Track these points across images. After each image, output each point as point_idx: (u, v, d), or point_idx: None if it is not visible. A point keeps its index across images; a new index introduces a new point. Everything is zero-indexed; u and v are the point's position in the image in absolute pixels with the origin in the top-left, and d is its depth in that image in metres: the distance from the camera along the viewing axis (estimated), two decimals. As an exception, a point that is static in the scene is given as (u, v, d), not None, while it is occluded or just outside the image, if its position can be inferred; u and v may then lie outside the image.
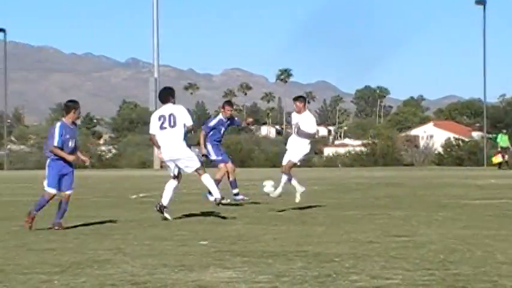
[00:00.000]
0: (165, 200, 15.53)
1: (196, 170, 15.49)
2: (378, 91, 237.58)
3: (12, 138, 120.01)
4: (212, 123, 20.69)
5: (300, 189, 17.87)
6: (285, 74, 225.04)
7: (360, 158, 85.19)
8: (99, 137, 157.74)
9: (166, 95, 15.93)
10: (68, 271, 8.50)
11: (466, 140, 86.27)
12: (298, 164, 17.98)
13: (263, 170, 59.62)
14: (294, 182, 17.79)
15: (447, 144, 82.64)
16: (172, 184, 15.68)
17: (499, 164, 55.40)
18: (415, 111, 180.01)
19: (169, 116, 15.43)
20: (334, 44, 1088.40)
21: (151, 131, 15.68)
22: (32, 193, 26.67)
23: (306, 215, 16.31)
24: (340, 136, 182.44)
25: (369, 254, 9.63)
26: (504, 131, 59.25)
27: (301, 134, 17.79)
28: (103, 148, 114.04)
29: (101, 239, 11.88)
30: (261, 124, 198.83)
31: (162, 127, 15.39)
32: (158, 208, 15.41)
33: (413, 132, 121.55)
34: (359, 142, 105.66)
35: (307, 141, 17.84)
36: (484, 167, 67.58)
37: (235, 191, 20.30)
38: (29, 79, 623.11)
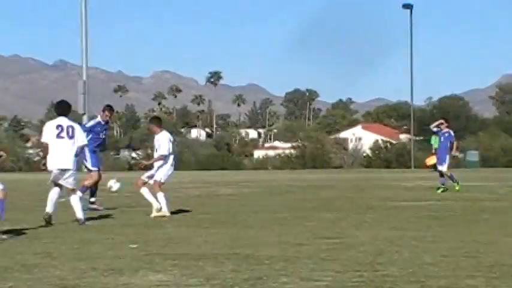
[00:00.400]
0: (50, 208, 15.25)
1: (72, 189, 15.35)
2: (307, 94, 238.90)
3: None
4: (89, 124, 20.37)
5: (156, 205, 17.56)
6: (215, 77, 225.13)
7: (290, 160, 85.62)
8: (27, 140, 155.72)
9: (66, 108, 15.75)
10: (-5, 276, 8.38)
11: (394, 142, 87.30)
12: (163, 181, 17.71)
13: (193, 173, 59.52)
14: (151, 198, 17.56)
15: (375, 147, 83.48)
16: (56, 192, 15.39)
17: (434, 166, 55.76)
18: (343, 113, 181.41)
19: (68, 127, 15.27)
20: (263, 46, 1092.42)
21: (45, 139, 15.39)
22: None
23: (236, 217, 16.32)
24: (270, 139, 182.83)
25: (299, 256, 9.68)
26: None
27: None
28: (31, 151, 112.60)
29: (29, 242, 11.73)
30: (191, 127, 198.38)
31: (59, 136, 15.18)
32: (47, 218, 15.00)
33: (342, 134, 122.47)
34: (289, 145, 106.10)
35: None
36: (411, 169, 68.39)
37: (92, 199, 19.91)
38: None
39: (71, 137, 15.22)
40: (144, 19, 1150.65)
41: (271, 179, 42.23)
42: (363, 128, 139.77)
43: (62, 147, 15.15)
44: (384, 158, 79.50)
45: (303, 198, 23.63)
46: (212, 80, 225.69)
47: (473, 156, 59.06)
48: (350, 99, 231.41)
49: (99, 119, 20.39)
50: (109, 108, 20.80)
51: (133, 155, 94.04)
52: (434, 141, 56.54)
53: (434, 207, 18.51)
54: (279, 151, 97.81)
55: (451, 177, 26.54)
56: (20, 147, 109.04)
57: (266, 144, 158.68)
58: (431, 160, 56.82)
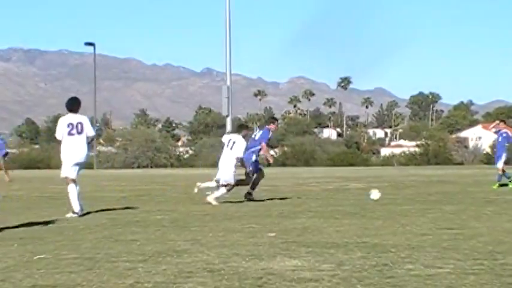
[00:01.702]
0: (76, 207, 15.35)
1: (73, 180, 15.44)
2: (430, 97, 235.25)
3: (101, 141, 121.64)
4: (269, 135, 20.31)
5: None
6: (345, 82, 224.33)
7: (414, 157, 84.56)
8: (178, 139, 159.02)
9: (76, 105, 15.71)
10: (150, 260, 8.57)
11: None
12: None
13: (325, 169, 59.42)
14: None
15: (495, 145, 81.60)
16: (74, 189, 15.44)
17: None
18: (464, 114, 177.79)
19: (77, 123, 15.40)
20: (390, 53, 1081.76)
21: (58, 136, 15.54)
22: (118, 189, 27.02)
23: (365, 209, 16.22)
24: (396, 138, 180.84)
25: (423, 245, 9.54)
26: None
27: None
28: (181, 149, 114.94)
29: (179, 230, 11.95)
30: (323, 127, 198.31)
31: (70, 133, 15.33)
32: (80, 215, 15.15)
33: (463, 134, 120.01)
34: (413, 143, 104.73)
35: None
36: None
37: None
38: (115, 88, 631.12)
39: (80, 132, 15.37)
40: (278, 30, 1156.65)
41: (397, 175, 41.76)
42: (483, 127, 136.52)
43: (74, 143, 15.34)
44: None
45: (426, 192, 23.29)
46: (342, 84, 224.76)
47: None
48: (471, 101, 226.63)
49: (272, 129, 20.36)
50: (276, 120, 21.17)
51: (272, 152, 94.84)
52: None
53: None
54: (404, 149, 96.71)
55: (504, 175, 25.78)
56: (171, 145, 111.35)
57: (392, 143, 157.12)
58: None
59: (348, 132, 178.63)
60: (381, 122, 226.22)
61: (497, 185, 25.30)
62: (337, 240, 10.22)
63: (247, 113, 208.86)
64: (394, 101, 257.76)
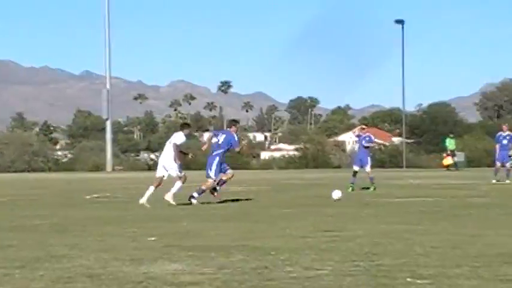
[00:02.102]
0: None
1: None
2: (309, 101, 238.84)
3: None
4: (236, 138, 20.54)
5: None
6: (225, 86, 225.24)
7: (293, 161, 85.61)
8: (56, 143, 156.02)
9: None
10: (27, 266, 8.39)
11: (388, 144, 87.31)
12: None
13: (203, 173, 59.55)
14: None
15: (370, 149, 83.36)
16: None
17: (448, 166, 55.63)
18: (342, 119, 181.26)
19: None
20: (269, 57, 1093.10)
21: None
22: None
23: (245, 213, 16.32)
24: (276, 141, 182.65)
25: (302, 248, 9.68)
26: (451, 135, 59.24)
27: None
28: (59, 153, 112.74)
29: (58, 235, 11.75)
30: (204, 131, 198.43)
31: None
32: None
33: (341, 137, 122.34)
34: (292, 147, 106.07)
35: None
36: (403, 168, 68.35)
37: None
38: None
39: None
40: (160, 31, 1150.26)
41: (277, 178, 42.22)
42: (359, 131, 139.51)
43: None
44: (378, 159, 79.25)
45: (305, 195, 23.63)
46: (223, 88, 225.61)
47: (460, 157, 59.03)
48: (348, 105, 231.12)
49: (233, 132, 20.58)
50: (237, 122, 21.87)
51: (152, 156, 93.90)
52: (450, 143, 56.55)
53: (424, 203, 18.48)
54: (284, 152, 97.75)
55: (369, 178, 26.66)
56: (49, 149, 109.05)
57: (272, 147, 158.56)
58: (447, 161, 56.67)
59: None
60: (260, 125, 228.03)
61: (373, 187, 25.88)
62: (218, 244, 10.26)
63: (128, 117, 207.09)
64: (273, 105, 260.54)
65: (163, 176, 19.34)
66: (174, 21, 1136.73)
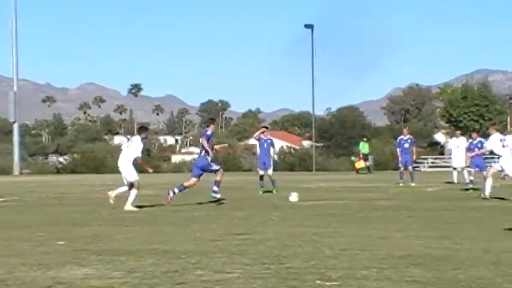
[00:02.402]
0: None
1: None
2: (220, 104, 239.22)
3: None
4: (208, 132, 20.63)
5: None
6: (135, 88, 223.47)
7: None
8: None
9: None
10: None
11: (298, 148, 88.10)
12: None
13: (116, 176, 59.05)
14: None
15: (281, 152, 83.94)
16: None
17: (359, 169, 56.42)
18: (252, 122, 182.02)
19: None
20: (180, 59, 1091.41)
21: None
22: None
23: (156, 216, 16.24)
24: (187, 145, 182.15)
25: (212, 251, 9.68)
26: (365, 139, 59.99)
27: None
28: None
29: (-37, 241, 11.46)
30: (114, 134, 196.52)
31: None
32: None
33: (251, 141, 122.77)
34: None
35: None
36: (313, 172, 69.01)
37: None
38: None
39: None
40: (68, 33, 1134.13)
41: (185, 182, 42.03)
42: (271, 135, 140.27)
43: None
44: (289, 162, 79.98)
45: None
46: (133, 91, 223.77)
47: (368, 160, 59.85)
48: (258, 109, 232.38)
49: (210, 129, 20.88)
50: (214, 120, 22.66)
51: (61, 159, 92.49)
52: (363, 146, 57.26)
53: (333, 206, 18.70)
54: (195, 156, 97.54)
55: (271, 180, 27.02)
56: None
57: (183, 150, 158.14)
58: (360, 164, 57.35)
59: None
60: (171, 129, 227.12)
61: (275, 190, 25.96)
62: (128, 248, 10.17)
63: (36, 119, 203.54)
64: (184, 108, 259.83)
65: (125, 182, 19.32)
66: (84, 22, 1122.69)
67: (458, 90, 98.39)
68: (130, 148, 19.37)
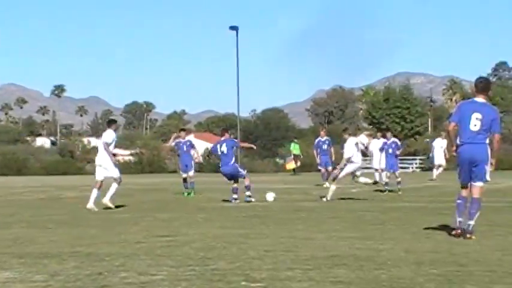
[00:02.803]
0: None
1: None
2: (144, 106, 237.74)
3: None
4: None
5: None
6: (59, 90, 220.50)
7: (129, 166, 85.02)
8: None
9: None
10: None
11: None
12: None
13: (39, 178, 58.17)
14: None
15: (206, 154, 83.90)
16: None
17: (292, 170, 56.91)
18: (177, 124, 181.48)
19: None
20: (105, 60, 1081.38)
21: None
22: None
23: (79, 218, 16.04)
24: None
25: (137, 253, 9.62)
26: (296, 140, 60.29)
27: None
28: None
29: None
30: (37, 135, 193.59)
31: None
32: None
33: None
34: (128, 152, 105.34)
35: None
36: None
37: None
38: None
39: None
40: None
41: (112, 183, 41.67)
42: (196, 136, 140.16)
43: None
44: (214, 164, 79.98)
45: (140, 200, 23.47)
46: (56, 92, 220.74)
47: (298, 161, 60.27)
48: (183, 110, 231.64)
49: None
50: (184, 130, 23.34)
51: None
52: (294, 147, 57.47)
53: (257, 208, 18.75)
54: (119, 158, 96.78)
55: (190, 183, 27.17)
56: None
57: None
58: (291, 165, 57.58)
59: (62, 141, 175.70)
60: (95, 130, 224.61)
61: (191, 192, 25.81)
62: (51, 250, 10.03)
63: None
64: (108, 109, 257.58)
65: (103, 178, 19.55)
66: (4, 20, 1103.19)
67: (381, 92, 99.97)
68: (105, 140, 19.80)
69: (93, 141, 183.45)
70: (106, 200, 19.04)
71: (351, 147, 21.68)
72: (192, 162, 26.88)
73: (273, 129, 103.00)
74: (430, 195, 23.73)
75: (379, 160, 31.07)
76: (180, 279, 7.61)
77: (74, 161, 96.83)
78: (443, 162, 37.72)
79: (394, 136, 29.47)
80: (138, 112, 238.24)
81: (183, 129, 29.20)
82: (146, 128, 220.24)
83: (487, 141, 11.23)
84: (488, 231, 11.55)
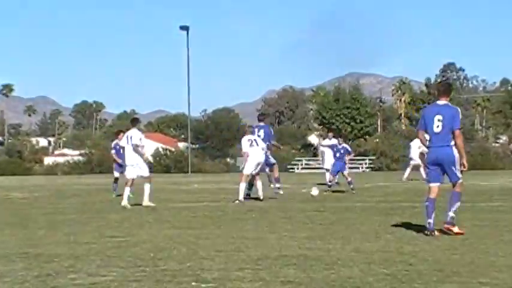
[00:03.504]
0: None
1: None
2: (94, 105, 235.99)
3: None
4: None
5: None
6: (7, 89, 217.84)
7: (78, 166, 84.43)
8: None
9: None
10: None
11: (173, 150, 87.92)
12: None
13: (-14, 178, 57.41)
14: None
15: (156, 154, 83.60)
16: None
17: None
18: (128, 124, 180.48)
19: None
20: (54, 59, 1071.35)
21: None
22: None
23: (27, 219, 15.87)
24: (60, 146, 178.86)
25: (87, 254, 9.55)
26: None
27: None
28: None
29: None
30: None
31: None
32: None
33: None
34: (77, 152, 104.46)
35: None
36: (188, 173, 68.99)
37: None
38: None
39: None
40: None
41: (61, 183, 41.37)
42: (146, 137, 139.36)
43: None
44: (164, 164, 79.79)
45: (90, 200, 23.31)
46: (4, 91, 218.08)
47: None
48: (134, 110, 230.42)
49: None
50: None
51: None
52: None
53: (208, 208, 18.74)
54: (68, 158, 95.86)
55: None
56: None
57: (56, 152, 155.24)
58: None
59: (10, 141, 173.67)
60: (44, 130, 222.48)
61: (114, 195, 25.55)
62: (-2, 252, 9.91)
63: None
64: (57, 109, 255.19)
65: (136, 177, 19.76)
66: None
67: (331, 93, 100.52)
68: (134, 142, 19.65)
69: (42, 141, 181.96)
70: (146, 202, 19.49)
71: (245, 143, 21.35)
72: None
73: (224, 130, 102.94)
74: (379, 195, 23.95)
75: (331, 160, 31.08)
76: (130, 280, 7.58)
77: (22, 161, 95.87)
78: (420, 162, 38.20)
79: (348, 140, 29.57)
80: (87, 112, 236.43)
81: (121, 131, 28.84)
82: (96, 128, 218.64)
83: (452, 142, 11.45)
84: (438, 231, 11.68)
